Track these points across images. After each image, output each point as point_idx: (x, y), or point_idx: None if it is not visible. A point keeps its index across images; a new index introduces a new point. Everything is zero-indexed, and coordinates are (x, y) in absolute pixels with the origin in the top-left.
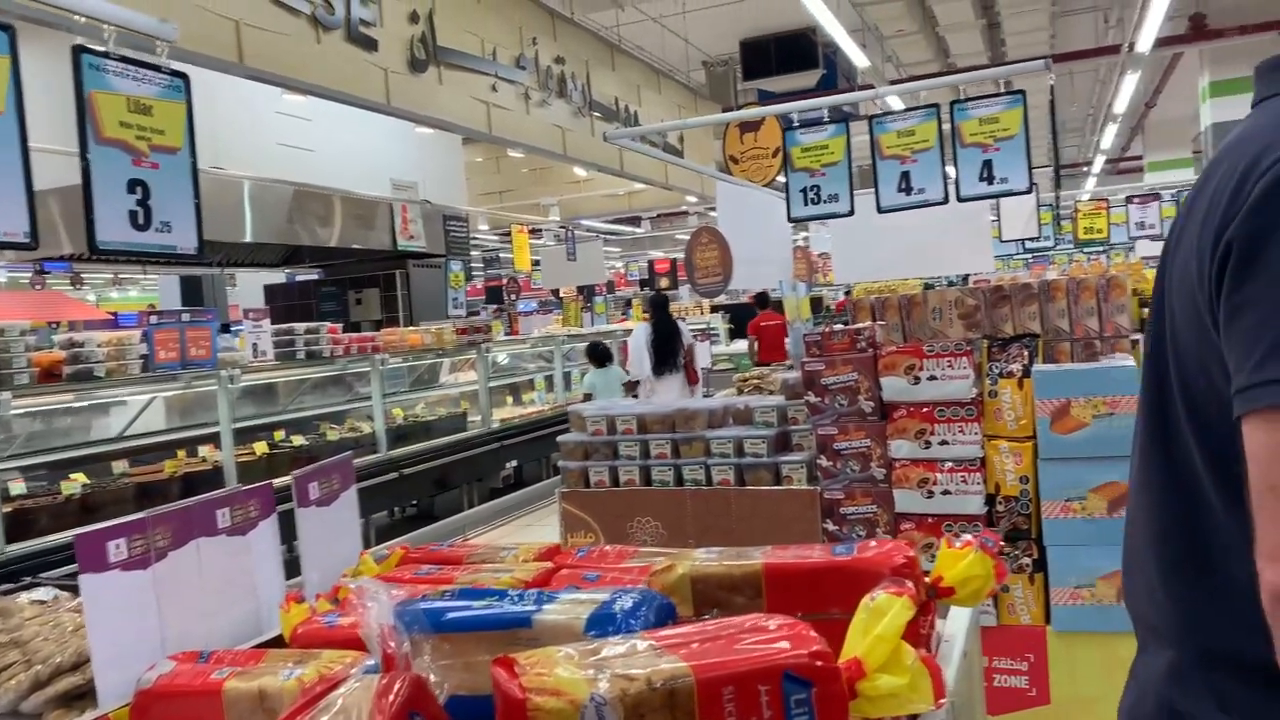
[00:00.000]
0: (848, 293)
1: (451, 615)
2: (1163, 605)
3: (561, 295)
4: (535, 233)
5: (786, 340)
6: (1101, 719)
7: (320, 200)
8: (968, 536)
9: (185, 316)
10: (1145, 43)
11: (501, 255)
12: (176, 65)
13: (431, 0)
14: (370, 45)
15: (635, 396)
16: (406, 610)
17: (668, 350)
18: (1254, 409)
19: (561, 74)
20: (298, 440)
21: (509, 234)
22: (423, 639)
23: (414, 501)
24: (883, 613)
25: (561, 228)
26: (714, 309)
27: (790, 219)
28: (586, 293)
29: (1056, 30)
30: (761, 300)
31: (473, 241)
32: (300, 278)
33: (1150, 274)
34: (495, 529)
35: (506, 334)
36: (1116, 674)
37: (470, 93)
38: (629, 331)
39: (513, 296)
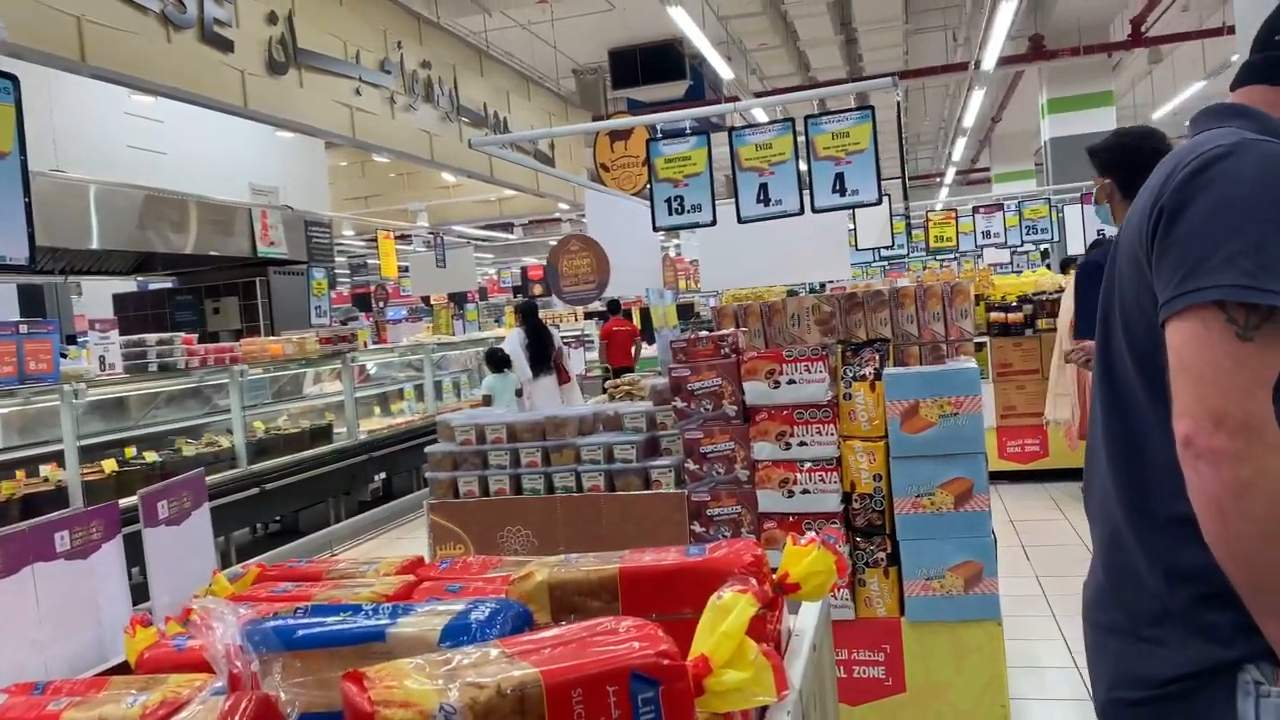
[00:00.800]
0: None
1: (302, 632)
2: (1113, 494)
3: (432, 302)
4: (404, 239)
5: (644, 344)
6: (952, 704)
7: (174, 205)
8: (811, 534)
9: (23, 328)
10: (990, 61)
11: (369, 262)
12: (6, 65)
13: (291, 1)
14: (226, 46)
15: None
16: (255, 629)
17: (542, 353)
18: (1173, 312)
19: (428, 78)
20: (151, 457)
21: (376, 240)
22: (273, 658)
23: (277, 517)
24: (728, 610)
25: (431, 234)
26: (588, 315)
27: (655, 228)
28: (458, 300)
29: (909, 47)
30: (612, 307)
31: (338, 248)
32: (153, 286)
33: (997, 280)
34: (363, 543)
35: (374, 342)
36: (965, 660)
37: (333, 96)
38: (502, 339)
39: (381, 304)
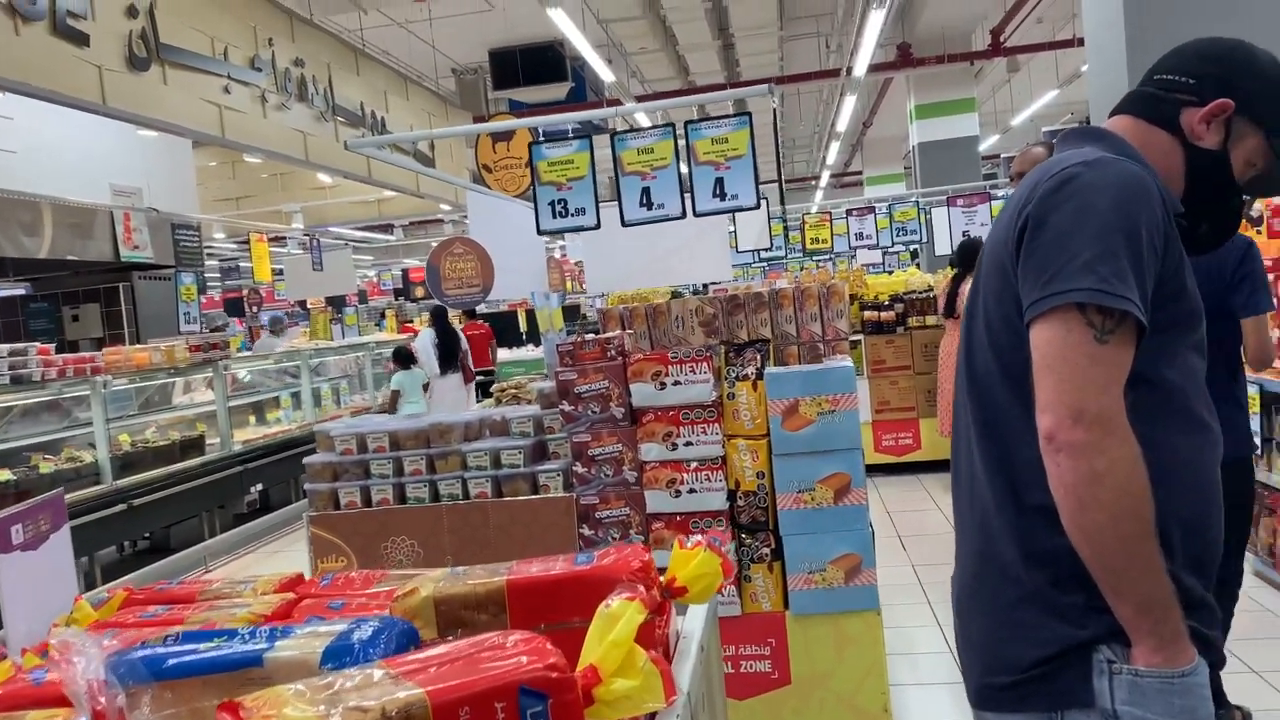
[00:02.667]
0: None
1: (173, 661)
2: (978, 478)
3: (309, 306)
4: (279, 241)
5: (492, 345)
6: (835, 693)
7: (25, 207)
8: (697, 537)
9: None
10: (861, 68)
11: (242, 265)
12: None
13: None
14: (81, 40)
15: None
16: (121, 661)
17: (451, 352)
18: (1037, 314)
19: (301, 76)
20: (4, 475)
21: (248, 243)
22: (141, 690)
23: (147, 534)
24: (616, 618)
25: (306, 236)
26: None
27: (540, 231)
28: (336, 303)
29: (785, 53)
30: (469, 311)
31: (208, 251)
32: (4, 293)
33: (870, 279)
34: (240, 558)
35: (246, 349)
36: (846, 650)
37: (200, 94)
38: (382, 344)
39: (254, 309)
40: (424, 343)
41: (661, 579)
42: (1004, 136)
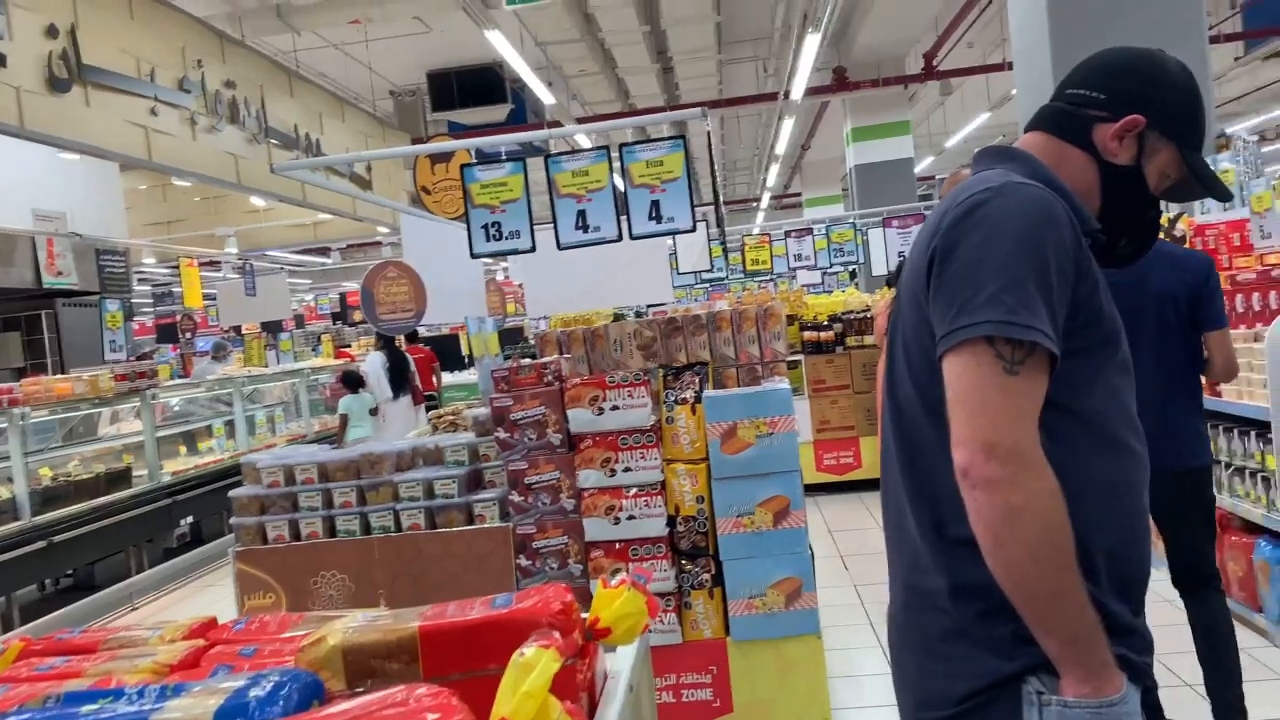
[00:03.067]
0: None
1: None
2: (904, 511)
3: (244, 332)
4: (213, 266)
5: (435, 368)
6: (777, 718)
7: None
8: (622, 575)
9: None
10: (798, 91)
11: (175, 290)
12: None
13: (74, 14)
14: None
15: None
16: None
17: (401, 376)
18: (948, 348)
19: (233, 98)
20: None
21: (180, 268)
22: None
23: (69, 571)
24: (530, 668)
25: (240, 260)
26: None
27: (473, 255)
28: (273, 329)
29: (723, 77)
30: (411, 336)
31: (139, 276)
32: None
33: (810, 299)
34: (169, 594)
35: (179, 376)
36: (789, 675)
37: (125, 116)
38: (318, 369)
39: (188, 335)
40: (374, 366)
41: (585, 619)
42: (939, 158)
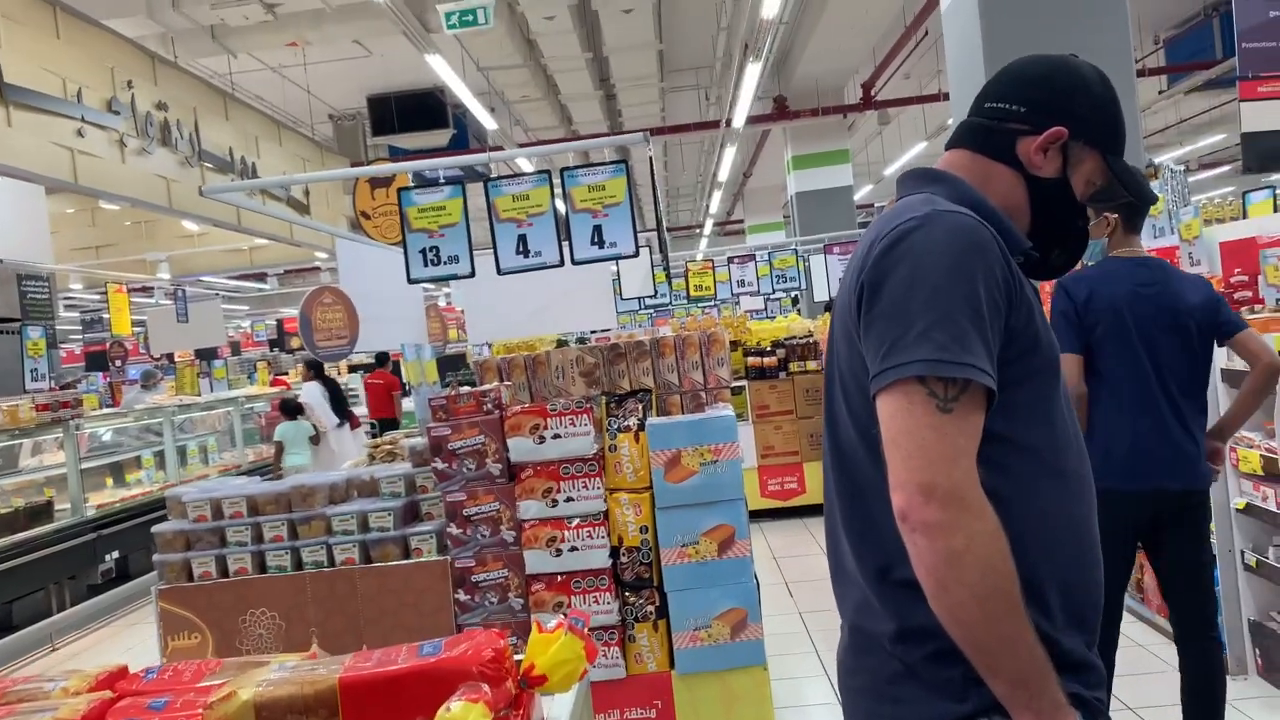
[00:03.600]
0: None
1: None
2: (848, 552)
3: (176, 360)
4: (145, 291)
5: (399, 396)
6: None
7: None
8: (559, 618)
9: None
10: (739, 119)
11: (105, 317)
12: None
13: None
14: None
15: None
16: None
17: (340, 401)
18: (881, 387)
19: (165, 121)
20: None
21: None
22: None
23: None
24: None
25: (173, 286)
26: (351, 369)
27: (410, 280)
28: (207, 356)
29: (666, 104)
30: (380, 358)
31: (66, 302)
32: None
33: (754, 325)
34: (92, 633)
35: (107, 405)
36: (734, 707)
37: (50, 137)
38: (253, 398)
39: (118, 363)
40: (314, 394)
41: (520, 666)
42: (877, 186)
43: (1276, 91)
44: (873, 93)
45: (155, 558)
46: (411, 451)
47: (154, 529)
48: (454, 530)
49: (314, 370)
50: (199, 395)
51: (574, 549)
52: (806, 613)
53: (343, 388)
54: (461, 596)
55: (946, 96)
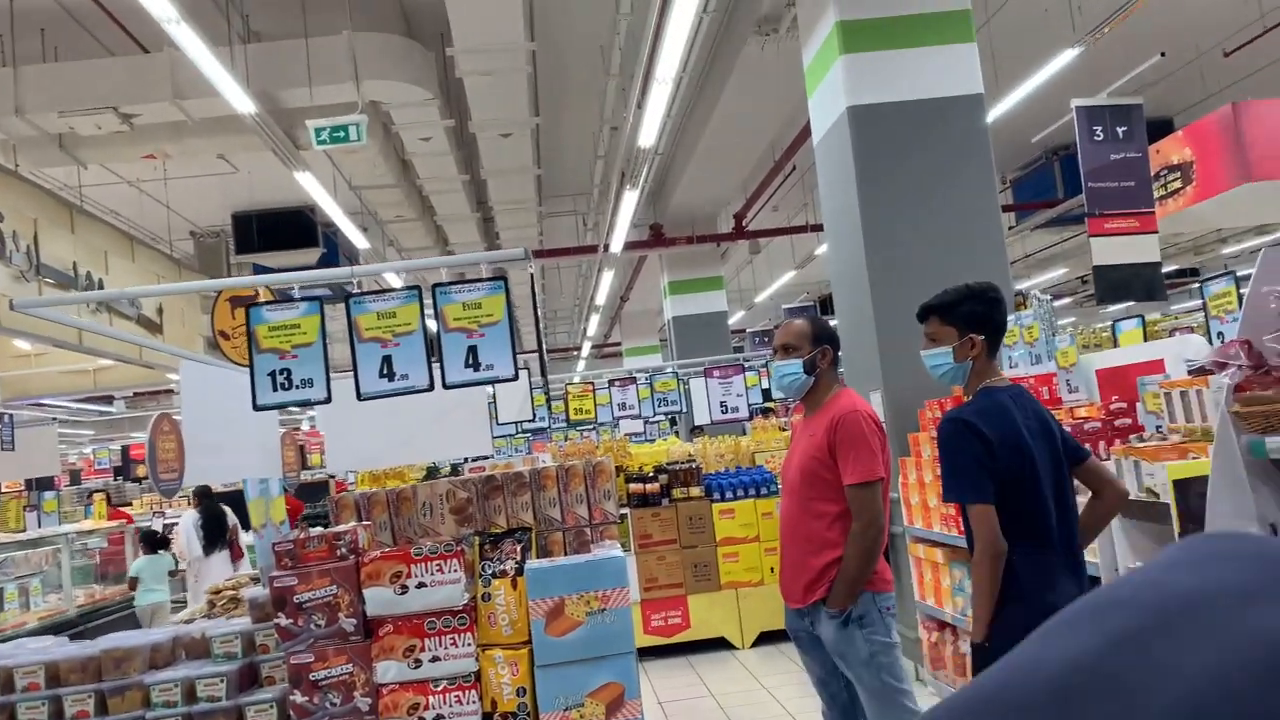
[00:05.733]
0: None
1: None
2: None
3: (2, 491)
4: None
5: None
6: None
7: None
8: None
9: None
10: (616, 244)
11: None
12: None
13: None
14: None
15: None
16: None
17: (218, 531)
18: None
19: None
20: None
21: None
22: None
23: None
24: None
25: (1, 410)
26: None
27: (256, 407)
28: (43, 485)
29: (544, 229)
30: (199, 494)
31: None
32: None
33: (634, 449)
34: None
35: None
36: None
37: None
38: (85, 534)
39: None
40: (186, 524)
41: None
42: (749, 313)
43: (1122, 228)
44: (744, 223)
45: None
46: (251, 604)
47: None
48: (299, 698)
49: (199, 497)
50: (23, 530)
51: (440, 717)
52: None
53: (228, 516)
54: None
55: (814, 228)
